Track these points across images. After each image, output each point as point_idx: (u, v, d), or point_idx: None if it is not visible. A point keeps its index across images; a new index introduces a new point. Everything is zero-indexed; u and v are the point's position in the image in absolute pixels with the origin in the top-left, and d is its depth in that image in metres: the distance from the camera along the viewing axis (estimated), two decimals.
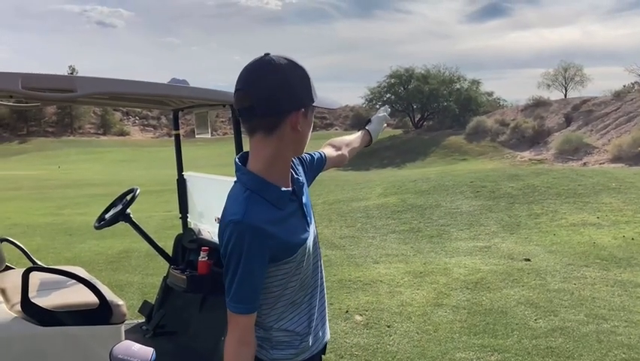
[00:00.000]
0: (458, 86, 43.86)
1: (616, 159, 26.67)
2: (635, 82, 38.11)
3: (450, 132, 38.14)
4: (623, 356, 3.89)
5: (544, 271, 6.08)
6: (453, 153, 33.62)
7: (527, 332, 4.42)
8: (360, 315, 4.92)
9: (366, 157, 34.90)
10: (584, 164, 27.67)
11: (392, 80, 43.65)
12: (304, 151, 1.63)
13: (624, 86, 38.58)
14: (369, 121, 2.28)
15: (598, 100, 39.28)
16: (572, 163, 27.63)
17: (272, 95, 1.44)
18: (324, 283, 1.75)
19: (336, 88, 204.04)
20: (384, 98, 44.42)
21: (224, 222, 1.49)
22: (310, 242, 1.61)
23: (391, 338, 4.40)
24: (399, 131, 42.90)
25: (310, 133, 1.57)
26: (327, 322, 1.76)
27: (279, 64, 1.46)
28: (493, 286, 5.64)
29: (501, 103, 47.32)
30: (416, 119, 44.23)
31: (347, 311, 5.00)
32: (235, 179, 1.59)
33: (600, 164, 26.84)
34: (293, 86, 1.47)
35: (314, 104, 1.52)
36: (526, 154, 31.57)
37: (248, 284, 1.47)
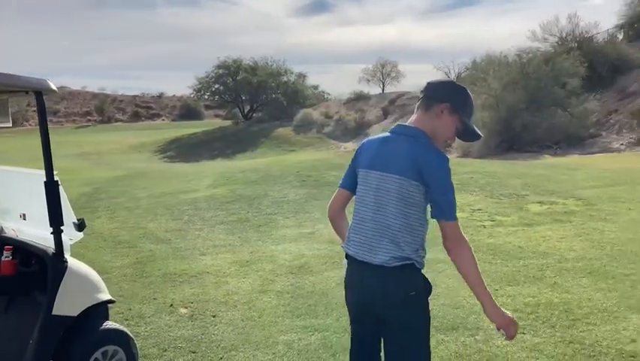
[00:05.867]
0: (285, 78, 44.83)
1: None
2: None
3: (278, 124, 38.91)
4: None
5: None
6: (282, 144, 34.38)
7: (345, 310, 4.69)
8: (185, 307, 4.88)
9: (196, 148, 34.28)
10: None
11: (220, 71, 43.30)
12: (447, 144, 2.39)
13: None
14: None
15: (411, 95, 42.59)
16: None
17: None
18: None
19: (163, 77, 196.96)
20: (213, 89, 43.97)
21: (441, 156, 2.23)
22: None
23: (216, 327, 4.42)
24: (228, 123, 42.78)
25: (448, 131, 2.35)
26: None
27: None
28: (316, 269, 5.92)
29: (326, 96, 49.28)
30: (245, 111, 44.41)
31: (172, 305, 4.93)
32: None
33: None
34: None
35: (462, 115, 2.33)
36: (350, 145, 33.32)
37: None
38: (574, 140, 22.28)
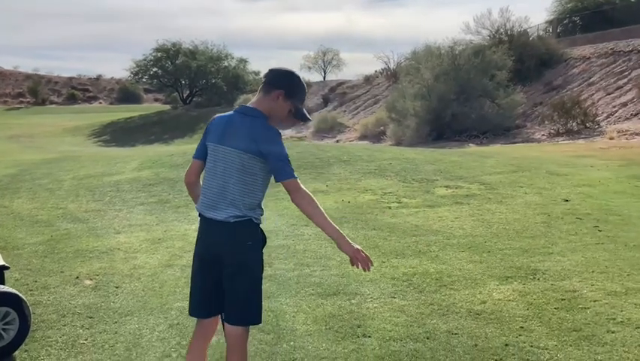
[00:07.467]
0: (226, 63, 44.62)
1: (363, 137, 29.94)
2: (384, 68, 42.77)
3: (218, 110, 38.74)
4: (312, 291, 4.76)
5: (270, 231, 6.83)
6: None
7: None
8: (91, 280, 5.15)
9: (132, 132, 33.86)
10: (337, 141, 30.56)
11: (159, 54, 42.70)
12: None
13: (375, 71, 43.04)
14: None
15: (351, 83, 43.21)
16: (327, 140, 30.32)
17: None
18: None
19: (102, 58, 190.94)
20: (151, 72, 43.31)
21: (274, 132, 2.71)
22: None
23: (117, 296, 4.73)
24: (167, 107, 42.30)
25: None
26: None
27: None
28: None
29: None
30: (185, 95, 44.00)
31: (77, 277, 5.19)
32: None
33: (350, 141, 29.90)
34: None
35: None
36: (289, 132, 33.72)
37: None
38: (500, 130, 23.35)
